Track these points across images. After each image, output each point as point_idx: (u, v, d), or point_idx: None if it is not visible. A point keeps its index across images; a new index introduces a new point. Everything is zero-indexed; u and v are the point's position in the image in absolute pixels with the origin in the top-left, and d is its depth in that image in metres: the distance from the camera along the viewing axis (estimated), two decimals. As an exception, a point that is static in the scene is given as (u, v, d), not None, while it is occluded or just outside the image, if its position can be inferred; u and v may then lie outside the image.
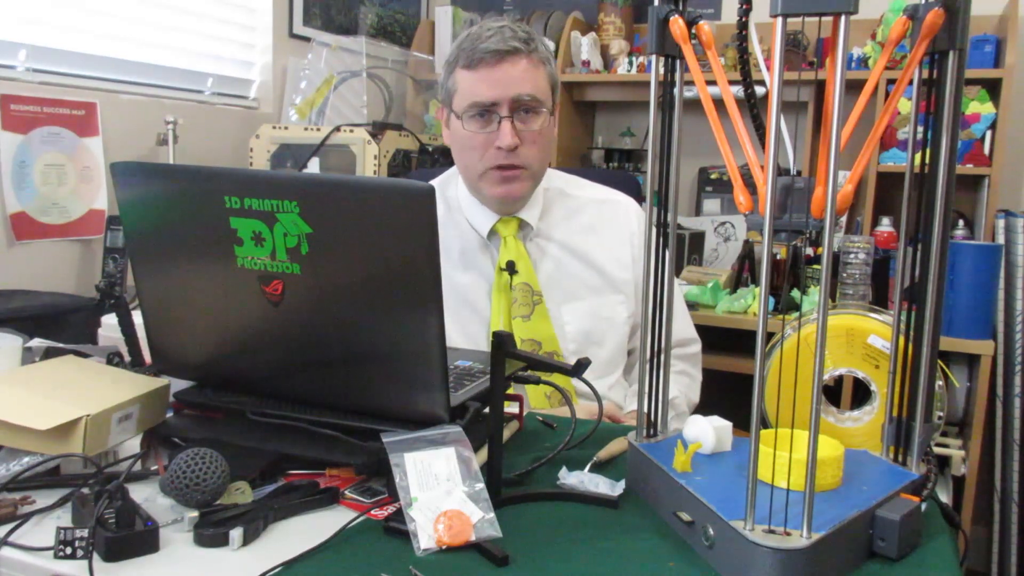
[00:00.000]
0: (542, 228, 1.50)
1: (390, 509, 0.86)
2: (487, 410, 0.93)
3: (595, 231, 1.52)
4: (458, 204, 1.51)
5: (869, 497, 0.81)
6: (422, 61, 3.02)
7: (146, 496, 0.86)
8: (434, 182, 1.57)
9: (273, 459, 0.94)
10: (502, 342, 0.88)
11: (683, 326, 1.55)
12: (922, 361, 0.85)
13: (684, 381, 1.53)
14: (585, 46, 2.79)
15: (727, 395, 1.62)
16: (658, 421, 0.98)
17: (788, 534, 0.73)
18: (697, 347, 1.59)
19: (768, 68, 0.71)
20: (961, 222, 2.47)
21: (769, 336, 0.85)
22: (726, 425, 0.94)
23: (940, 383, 0.95)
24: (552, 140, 1.48)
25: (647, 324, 0.95)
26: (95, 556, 0.76)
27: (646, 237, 0.94)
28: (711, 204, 2.89)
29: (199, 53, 2.43)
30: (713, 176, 2.90)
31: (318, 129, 2.35)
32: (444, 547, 0.79)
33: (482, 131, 1.38)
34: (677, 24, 0.86)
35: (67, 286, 2.02)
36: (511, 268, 1.44)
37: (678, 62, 0.91)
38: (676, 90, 0.91)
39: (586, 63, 2.80)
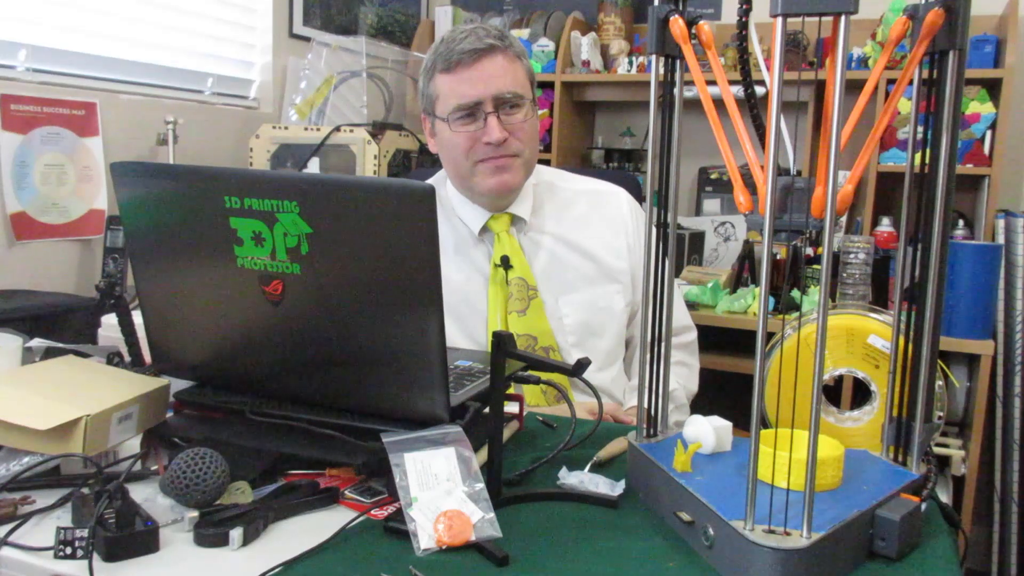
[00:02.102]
0: (534, 222, 1.50)
1: (390, 509, 0.86)
2: (487, 410, 0.93)
3: (588, 222, 1.53)
4: (450, 203, 1.51)
5: (869, 497, 0.81)
6: (422, 61, 3.02)
7: (146, 496, 0.86)
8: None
9: (273, 459, 0.94)
10: (502, 342, 0.88)
11: (679, 315, 1.55)
12: (922, 361, 0.85)
13: (683, 372, 1.53)
14: (585, 46, 2.79)
15: (727, 395, 1.63)
16: (658, 419, 0.98)
17: (788, 534, 0.73)
18: (693, 335, 1.59)
19: (768, 68, 0.71)
20: (961, 222, 2.47)
21: (769, 336, 0.85)
22: (726, 425, 0.94)
23: (940, 383, 0.95)
24: (538, 129, 1.50)
25: (646, 326, 0.95)
26: (95, 556, 0.76)
27: (646, 237, 0.94)
28: (711, 204, 2.89)
29: (199, 53, 2.43)
30: (713, 176, 2.90)
31: (318, 129, 2.35)
32: (444, 547, 0.79)
33: (469, 129, 1.39)
34: (677, 24, 0.86)
35: (67, 286, 2.02)
36: (505, 263, 1.44)
37: (678, 62, 0.91)
38: (676, 90, 0.91)
39: (586, 63, 2.80)
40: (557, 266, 1.49)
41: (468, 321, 1.45)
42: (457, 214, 1.50)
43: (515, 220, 1.49)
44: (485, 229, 1.48)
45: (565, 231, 1.51)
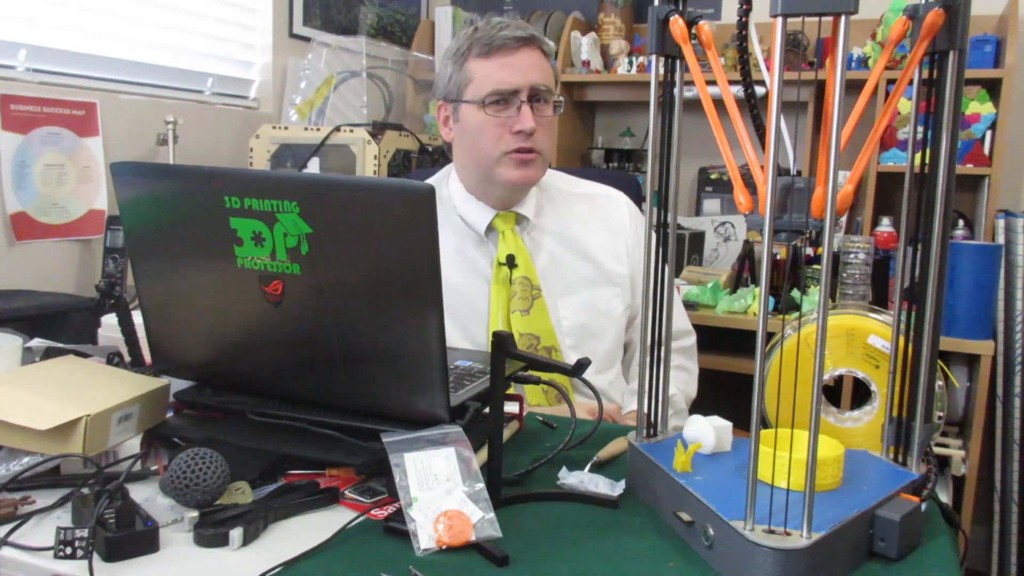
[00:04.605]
0: (537, 222, 1.50)
1: (390, 509, 0.86)
2: (487, 410, 0.93)
3: (588, 225, 1.53)
4: (451, 203, 1.51)
5: (869, 497, 0.81)
6: (422, 61, 3.02)
7: (146, 496, 0.86)
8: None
9: (273, 459, 0.94)
10: (502, 342, 0.88)
11: (678, 319, 1.55)
12: (922, 361, 0.85)
13: (682, 376, 1.53)
14: (585, 46, 2.79)
15: (727, 395, 1.62)
16: (658, 422, 0.98)
17: (788, 534, 0.73)
18: (692, 339, 1.59)
19: (768, 68, 0.71)
20: (961, 222, 2.47)
21: (769, 336, 0.85)
22: (726, 425, 0.94)
23: (940, 383, 0.95)
24: (556, 130, 1.51)
25: (646, 325, 0.95)
26: (95, 556, 0.76)
27: (646, 237, 0.94)
28: (711, 204, 2.89)
29: (199, 53, 2.43)
30: (713, 176, 2.90)
31: (318, 129, 2.35)
32: (444, 547, 0.79)
33: (501, 115, 1.40)
34: (677, 24, 0.86)
35: (67, 286, 2.02)
36: (511, 262, 1.44)
37: (678, 62, 0.91)
38: (676, 90, 0.91)
39: (586, 63, 2.80)
40: (557, 267, 1.49)
41: (467, 323, 1.44)
42: (460, 213, 1.50)
43: (519, 219, 1.49)
44: (489, 228, 1.47)
45: (566, 232, 1.51)
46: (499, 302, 1.44)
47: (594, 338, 1.48)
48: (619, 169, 2.97)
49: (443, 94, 1.48)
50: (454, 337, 1.43)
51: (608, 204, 1.56)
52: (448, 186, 1.53)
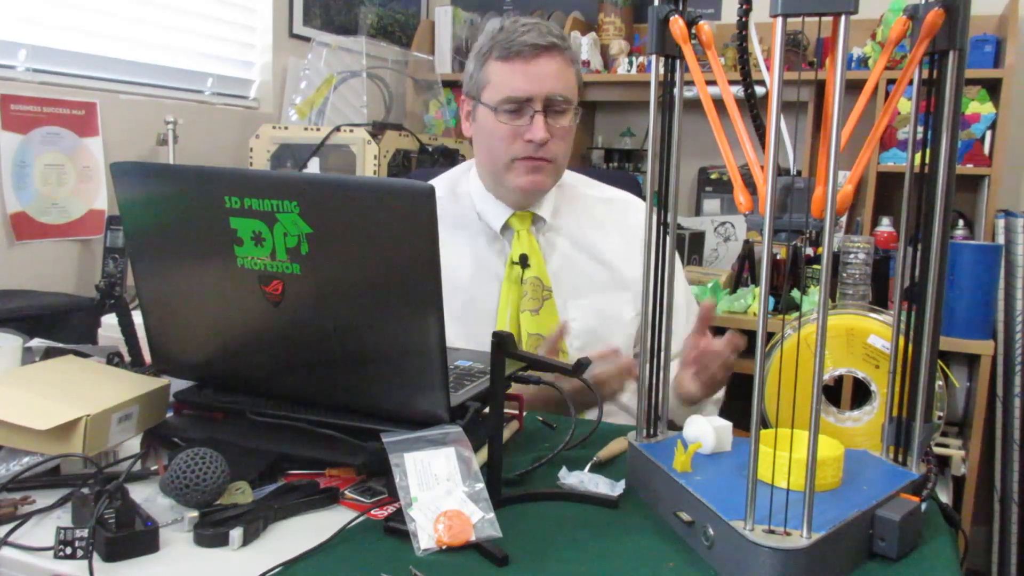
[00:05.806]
0: (553, 223, 1.51)
1: (390, 509, 0.86)
2: (487, 410, 0.93)
3: (605, 229, 1.53)
4: (470, 199, 1.51)
5: (869, 497, 0.81)
6: (422, 61, 3.02)
7: (146, 496, 0.86)
8: (443, 178, 1.58)
9: (273, 459, 0.94)
10: (502, 342, 0.88)
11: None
12: (922, 361, 0.85)
13: None
14: (585, 46, 2.79)
15: (727, 395, 1.62)
16: (656, 425, 0.98)
17: (788, 534, 0.73)
18: None
19: (768, 68, 0.71)
20: (961, 222, 2.47)
21: (769, 336, 0.85)
22: (726, 425, 0.94)
23: (940, 383, 0.95)
24: (574, 136, 1.49)
25: (647, 324, 0.95)
26: (95, 556, 0.76)
27: (646, 237, 0.94)
28: (711, 204, 2.89)
29: (199, 53, 2.43)
30: (713, 176, 2.90)
31: (318, 129, 2.35)
32: (444, 547, 0.79)
33: (513, 123, 1.39)
34: (677, 24, 0.86)
35: (67, 286, 2.02)
36: (523, 262, 1.44)
37: (678, 62, 0.91)
38: (676, 90, 0.91)
39: (586, 63, 2.80)
40: (569, 269, 1.49)
41: (476, 319, 1.44)
42: (477, 209, 1.50)
43: (535, 220, 1.49)
44: (505, 226, 1.47)
45: (581, 235, 1.51)
46: (509, 300, 1.44)
47: (602, 342, 1.47)
48: (619, 169, 2.97)
49: (466, 90, 1.47)
50: (461, 333, 1.42)
51: (627, 210, 1.56)
52: (468, 181, 1.53)
